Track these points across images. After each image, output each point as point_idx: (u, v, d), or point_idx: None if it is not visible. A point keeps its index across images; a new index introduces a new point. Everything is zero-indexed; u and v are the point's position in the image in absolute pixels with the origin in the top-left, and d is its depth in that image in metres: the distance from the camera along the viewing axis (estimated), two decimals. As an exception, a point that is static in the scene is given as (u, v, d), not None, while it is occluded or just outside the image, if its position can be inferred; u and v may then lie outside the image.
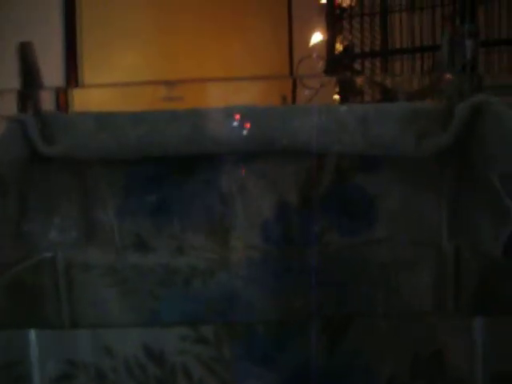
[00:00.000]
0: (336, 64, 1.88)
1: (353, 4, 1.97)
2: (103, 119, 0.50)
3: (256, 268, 0.50)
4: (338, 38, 1.95)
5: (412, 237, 0.52)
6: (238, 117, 0.48)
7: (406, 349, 0.44)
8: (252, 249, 0.51)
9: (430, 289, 0.51)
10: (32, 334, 0.44)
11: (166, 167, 0.52)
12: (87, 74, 2.22)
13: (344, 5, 1.96)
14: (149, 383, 0.44)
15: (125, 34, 2.21)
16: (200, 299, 0.49)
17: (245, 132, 0.48)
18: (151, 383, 0.44)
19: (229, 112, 0.49)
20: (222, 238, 0.52)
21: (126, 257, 0.53)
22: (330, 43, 1.94)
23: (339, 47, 1.94)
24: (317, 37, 2.09)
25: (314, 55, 1.99)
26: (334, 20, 1.99)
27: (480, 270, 0.50)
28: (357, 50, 1.96)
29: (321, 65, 1.94)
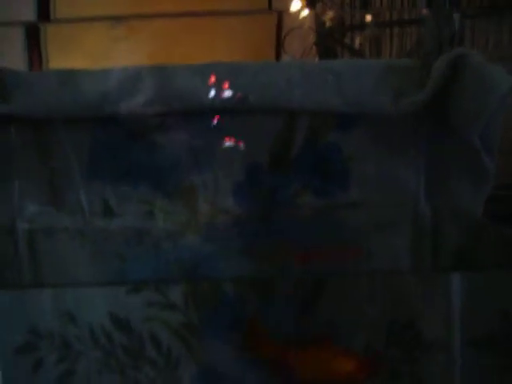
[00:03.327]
0: (326, 37, 1.85)
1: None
2: (64, 76, 0.47)
3: (227, 231, 0.49)
4: (324, 10, 1.93)
5: (388, 198, 0.50)
6: (205, 73, 0.46)
7: (381, 316, 0.42)
8: (223, 212, 0.49)
9: (407, 251, 0.50)
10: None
11: (133, 127, 0.50)
12: (59, 7, 2.12)
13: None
14: (115, 352, 0.42)
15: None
16: (169, 261, 0.48)
17: (212, 89, 0.46)
18: (118, 352, 0.42)
19: (195, 69, 0.47)
20: (192, 201, 0.50)
21: (94, 221, 0.51)
22: (318, 16, 1.91)
23: (328, 20, 1.91)
24: (296, 4, 2.06)
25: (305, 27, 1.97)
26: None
27: (458, 231, 0.49)
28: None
29: (311, 37, 1.92)
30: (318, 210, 0.50)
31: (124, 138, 0.50)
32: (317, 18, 1.89)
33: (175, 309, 0.42)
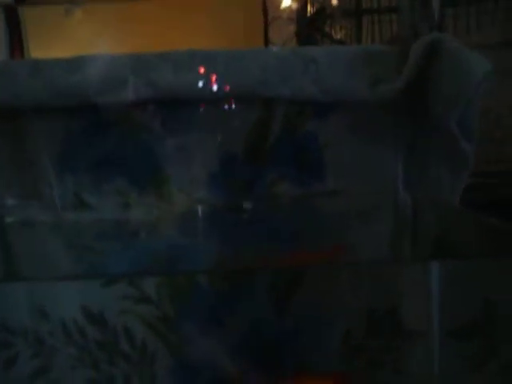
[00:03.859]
0: (308, 26, 1.85)
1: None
2: (37, 65, 0.46)
3: (202, 221, 0.48)
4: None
5: (367, 186, 0.50)
6: (177, 61, 0.45)
7: (361, 304, 0.42)
8: (198, 202, 0.49)
9: (387, 239, 0.50)
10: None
11: (106, 119, 0.49)
12: None
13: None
14: (89, 347, 0.42)
15: None
16: (144, 253, 0.47)
17: (186, 77, 0.45)
18: (91, 347, 0.42)
19: (169, 56, 0.46)
20: (167, 192, 0.49)
21: (66, 214, 0.51)
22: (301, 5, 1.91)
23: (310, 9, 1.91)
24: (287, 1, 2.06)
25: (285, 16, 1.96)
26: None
27: (437, 221, 0.48)
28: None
29: (292, 27, 1.91)
30: (295, 200, 0.49)
31: (96, 129, 0.50)
32: (300, 6, 1.88)
33: (149, 302, 0.41)
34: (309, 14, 1.91)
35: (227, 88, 0.46)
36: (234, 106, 0.48)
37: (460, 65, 0.42)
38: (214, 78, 0.46)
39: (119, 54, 0.48)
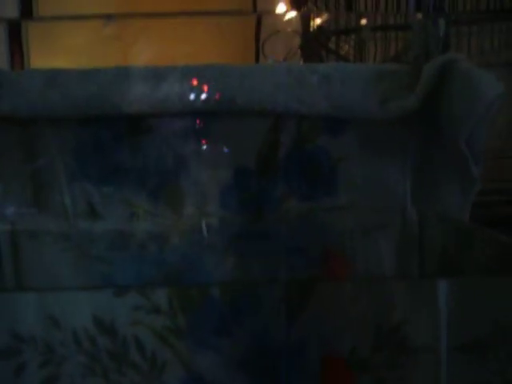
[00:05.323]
0: (311, 41, 1.84)
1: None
2: (50, 75, 0.47)
3: (213, 235, 0.48)
4: (303, 11, 1.92)
5: (375, 202, 0.50)
6: (192, 76, 0.45)
7: (367, 320, 0.42)
8: (209, 215, 0.49)
9: (394, 256, 0.50)
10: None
11: (119, 129, 0.49)
12: (43, 5, 2.06)
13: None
14: (99, 356, 0.42)
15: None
16: (155, 264, 0.48)
17: (200, 92, 0.46)
18: (102, 356, 0.42)
19: (183, 71, 0.46)
20: (178, 204, 0.50)
21: (78, 224, 0.51)
22: (304, 19, 1.90)
23: (313, 23, 1.90)
24: (281, 8, 2.06)
25: (289, 30, 1.96)
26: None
27: (445, 238, 0.49)
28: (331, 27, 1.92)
29: (295, 40, 1.91)
30: (304, 214, 0.50)
31: (109, 139, 0.50)
32: (303, 21, 1.88)
33: (161, 313, 0.41)
34: (311, 29, 1.91)
35: (240, 102, 0.46)
36: (246, 119, 0.48)
37: (472, 85, 0.43)
38: (227, 91, 0.47)
39: (132, 66, 0.48)
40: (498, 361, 0.39)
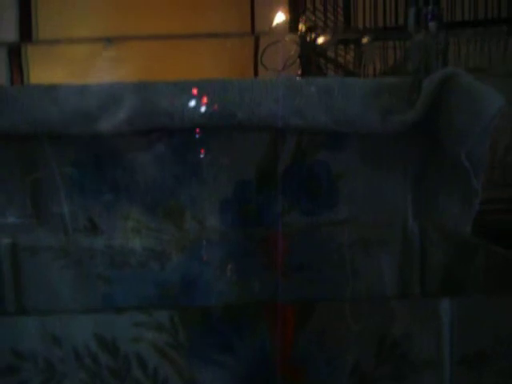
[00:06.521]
0: (309, 50, 1.84)
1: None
2: (48, 91, 0.47)
3: (214, 250, 0.48)
4: (301, 19, 1.92)
5: (376, 217, 0.50)
6: (193, 91, 0.45)
7: (370, 335, 0.42)
8: (209, 230, 0.49)
9: (395, 271, 0.50)
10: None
11: (117, 144, 0.49)
12: (42, 28, 2.07)
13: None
14: (101, 373, 0.42)
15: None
16: (156, 282, 0.47)
17: (200, 107, 0.46)
18: (103, 373, 0.42)
19: (183, 86, 0.46)
20: (179, 218, 0.49)
21: (78, 239, 0.51)
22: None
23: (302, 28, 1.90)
24: (280, 17, 2.06)
25: (287, 39, 1.95)
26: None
27: (447, 252, 0.49)
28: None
29: (293, 51, 1.90)
30: (305, 229, 0.50)
31: (109, 154, 0.50)
32: (301, 31, 1.88)
33: (162, 329, 0.41)
34: (311, 39, 1.91)
35: (241, 116, 0.46)
36: (246, 133, 0.48)
37: (473, 99, 0.43)
38: (228, 106, 0.47)
39: (128, 82, 0.48)
40: (499, 374, 0.39)
